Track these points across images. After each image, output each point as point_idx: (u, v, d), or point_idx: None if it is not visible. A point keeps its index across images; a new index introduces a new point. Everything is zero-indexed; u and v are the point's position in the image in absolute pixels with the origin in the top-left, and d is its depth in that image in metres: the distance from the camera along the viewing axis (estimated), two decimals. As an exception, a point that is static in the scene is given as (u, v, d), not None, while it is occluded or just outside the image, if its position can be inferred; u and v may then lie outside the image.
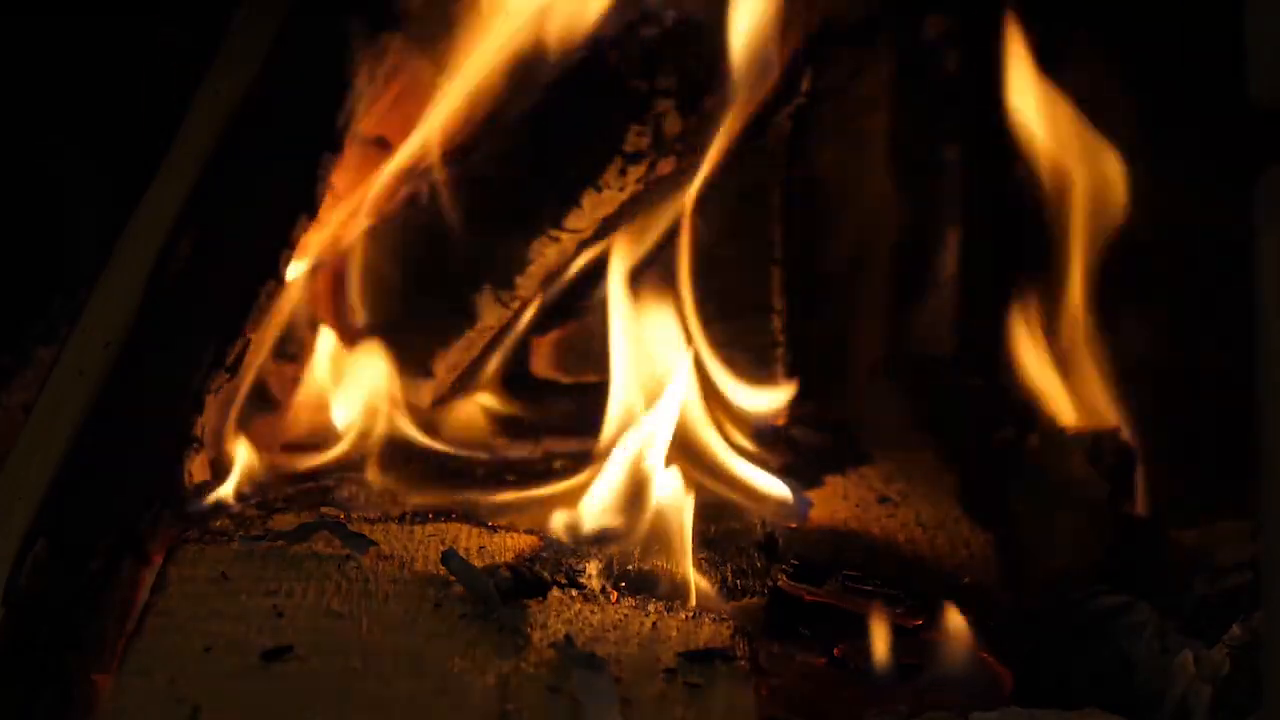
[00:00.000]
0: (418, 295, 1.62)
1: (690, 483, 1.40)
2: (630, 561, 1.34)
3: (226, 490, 1.43)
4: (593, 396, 1.62)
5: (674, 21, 1.55)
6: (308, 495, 1.46)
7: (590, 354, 1.68)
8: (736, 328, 1.60)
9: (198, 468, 1.37)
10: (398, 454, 1.57)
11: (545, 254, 1.58)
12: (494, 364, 1.67)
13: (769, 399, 1.62)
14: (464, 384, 1.66)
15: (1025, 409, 1.64)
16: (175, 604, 1.21)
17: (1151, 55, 1.59)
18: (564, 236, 1.57)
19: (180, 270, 1.40)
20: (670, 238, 1.60)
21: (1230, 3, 1.00)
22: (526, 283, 1.59)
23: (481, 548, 1.34)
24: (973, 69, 1.66)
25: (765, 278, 1.60)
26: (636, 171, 1.55)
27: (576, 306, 1.67)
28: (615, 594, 1.25)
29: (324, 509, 1.41)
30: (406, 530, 1.35)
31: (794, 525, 1.47)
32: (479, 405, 1.68)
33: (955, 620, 1.30)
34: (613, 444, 1.45)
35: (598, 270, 1.63)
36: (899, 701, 1.21)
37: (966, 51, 1.67)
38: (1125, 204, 1.60)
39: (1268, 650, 0.99)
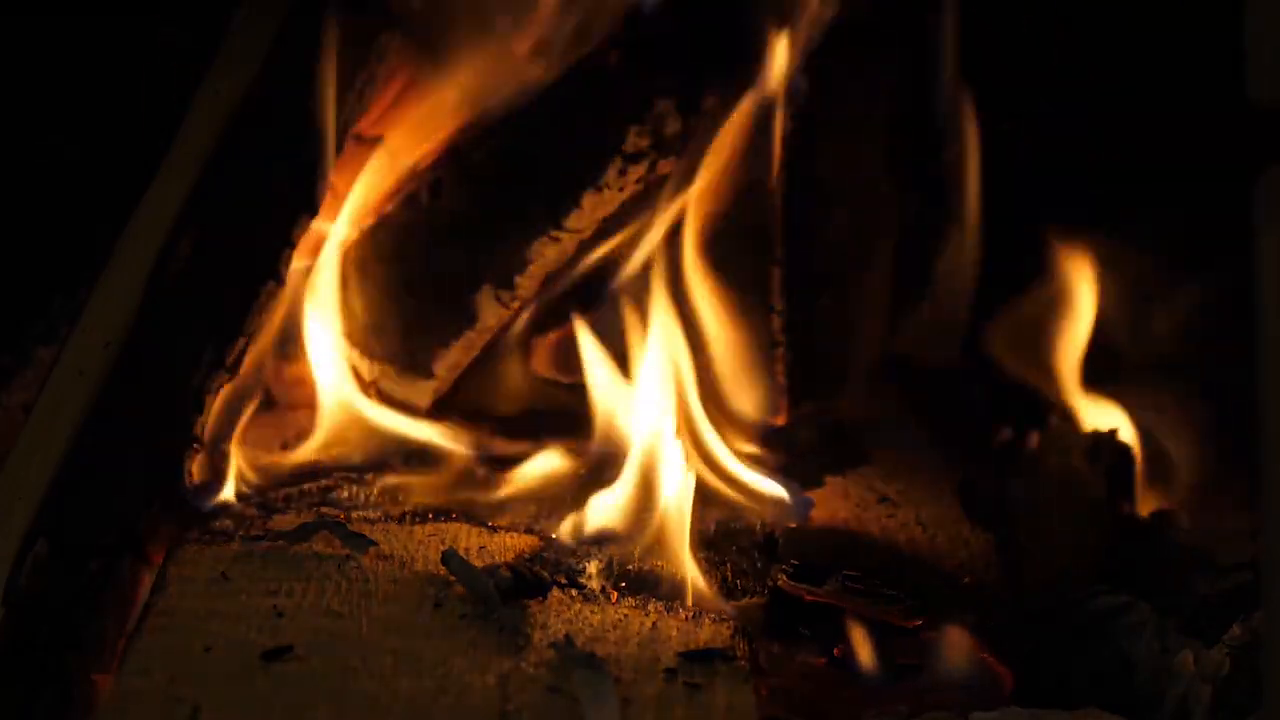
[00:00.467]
0: (418, 295, 1.62)
1: (691, 482, 1.40)
2: (630, 561, 1.34)
3: (226, 490, 1.43)
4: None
5: (674, 21, 1.55)
6: (308, 495, 1.46)
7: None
8: (737, 328, 1.60)
9: (198, 468, 1.37)
10: (398, 454, 1.57)
11: (545, 254, 1.58)
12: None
13: (769, 399, 1.62)
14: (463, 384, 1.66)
15: (1025, 409, 1.65)
16: (175, 604, 1.21)
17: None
18: (564, 236, 1.57)
19: (180, 270, 1.40)
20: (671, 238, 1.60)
21: (1230, 3, 1.00)
22: (526, 283, 1.59)
23: (481, 548, 1.34)
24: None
25: (765, 278, 1.60)
26: (636, 171, 1.55)
27: (576, 306, 1.67)
28: (615, 594, 1.25)
29: (324, 509, 1.41)
30: (406, 530, 1.35)
31: (794, 525, 1.47)
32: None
33: (955, 620, 1.30)
34: (614, 443, 1.46)
35: (598, 271, 1.63)
36: (899, 701, 1.21)
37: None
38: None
39: (1268, 650, 0.99)
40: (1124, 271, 1.64)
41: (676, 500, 1.38)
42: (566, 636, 1.16)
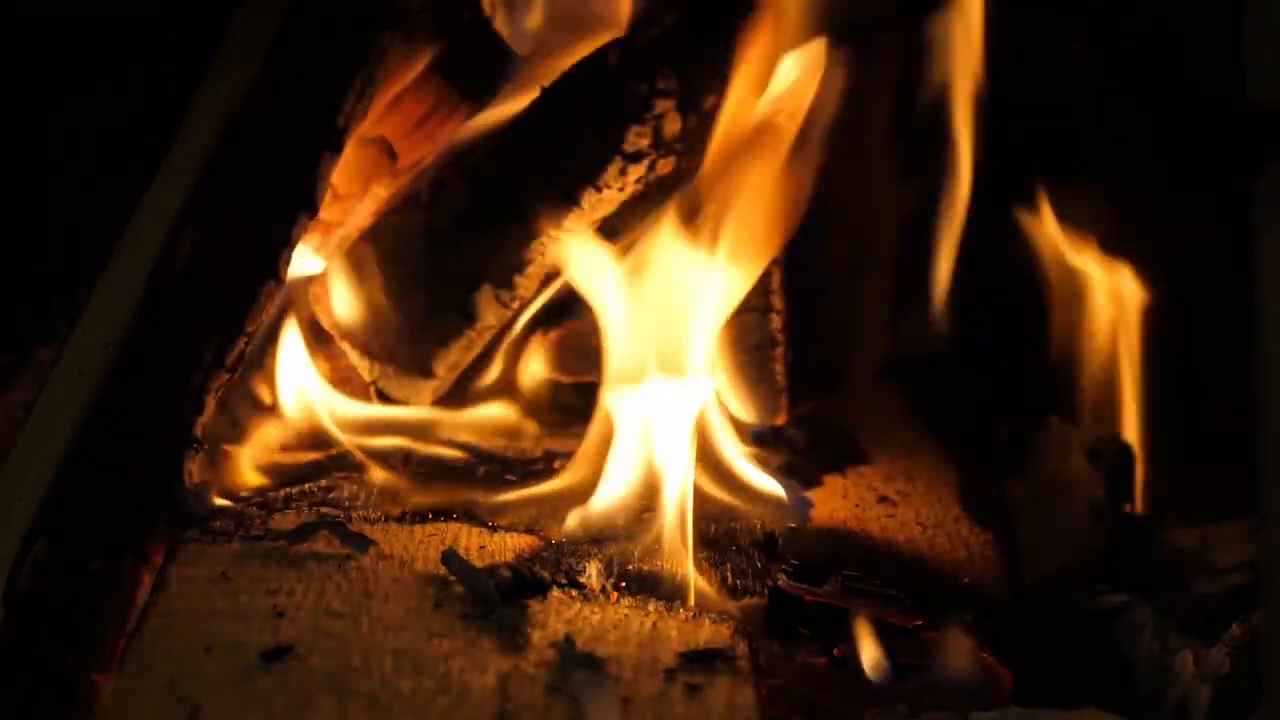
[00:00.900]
0: (417, 295, 1.62)
1: (692, 482, 1.40)
2: (630, 561, 1.34)
3: (226, 490, 1.43)
4: (593, 396, 1.62)
5: (674, 21, 1.55)
6: (308, 495, 1.46)
7: (590, 354, 1.68)
8: (737, 328, 1.60)
9: (198, 468, 1.37)
10: (398, 454, 1.57)
11: (545, 254, 1.58)
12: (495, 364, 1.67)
13: (769, 399, 1.62)
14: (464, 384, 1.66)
15: (1026, 408, 1.65)
16: (175, 604, 1.21)
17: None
18: (564, 236, 1.57)
19: (180, 270, 1.40)
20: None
21: (1230, 3, 1.00)
22: (526, 283, 1.59)
23: (481, 548, 1.34)
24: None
25: (765, 278, 1.60)
26: (636, 171, 1.55)
27: (577, 306, 1.67)
28: (615, 594, 1.25)
29: (324, 509, 1.41)
30: (406, 530, 1.35)
31: (794, 525, 1.47)
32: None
33: (955, 620, 1.30)
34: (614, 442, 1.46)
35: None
36: (899, 701, 1.21)
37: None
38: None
39: (1268, 650, 1.00)
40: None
41: (678, 500, 1.38)
42: (566, 636, 1.16)
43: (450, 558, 1.24)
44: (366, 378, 1.64)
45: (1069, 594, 1.38)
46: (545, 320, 1.67)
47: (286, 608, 1.20)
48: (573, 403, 1.68)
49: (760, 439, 1.61)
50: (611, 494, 1.41)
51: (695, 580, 1.32)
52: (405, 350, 1.63)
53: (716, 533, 1.43)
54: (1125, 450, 1.58)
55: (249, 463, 1.51)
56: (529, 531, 1.40)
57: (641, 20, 1.57)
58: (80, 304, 1.40)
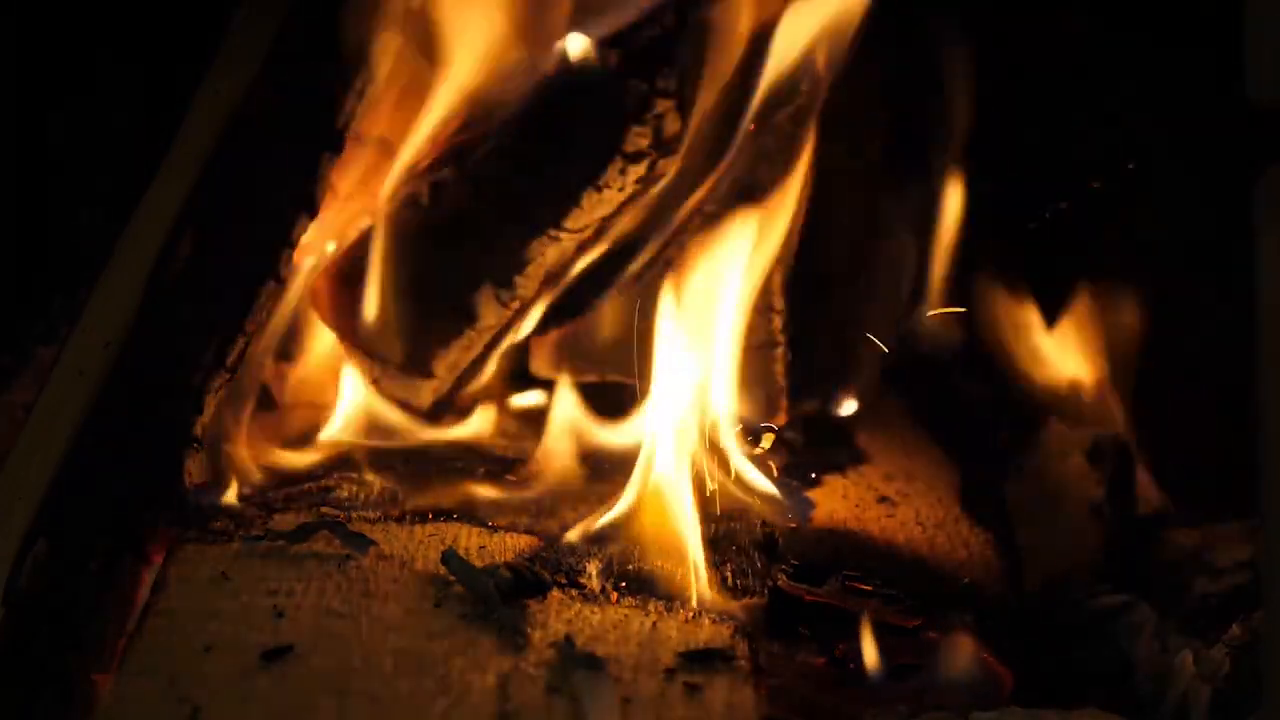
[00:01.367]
0: (418, 295, 1.62)
1: (694, 482, 1.40)
2: (630, 561, 1.34)
3: (226, 490, 1.43)
4: (594, 396, 1.62)
5: (674, 21, 1.55)
6: (308, 495, 1.46)
7: (590, 354, 1.68)
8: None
9: (197, 468, 1.37)
10: (397, 454, 1.57)
11: (545, 254, 1.58)
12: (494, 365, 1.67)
13: (769, 399, 1.62)
14: (464, 384, 1.66)
15: (1025, 409, 1.65)
16: (175, 604, 1.21)
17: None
18: (564, 236, 1.57)
19: (180, 270, 1.40)
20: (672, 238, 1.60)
21: (1230, 3, 1.00)
22: (526, 283, 1.59)
23: (481, 548, 1.34)
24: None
25: (765, 278, 1.60)
26: (636, 171, 1.54)
27: (576, 306, 1.67)
28: (615, 594, 1.25)
29: (324, 509, 1.41)
30: (406, 530, 1.35)
31: (794, 525, 1.47)
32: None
33: (955, 620, 1.30)
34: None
35: (598, 270, 1.63)
36: (899, 701, 1.21)
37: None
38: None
39: (1268, 650, 1.00)
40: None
41: (679, 499, 1.38)
42: (566, 636, 1.16)
43: (450, 558, 1.24)
44: (367, 377, 1.64)
45: (1069, 594, 1.38)
46: (545, 320, 1.67)
47: (286, 608, 1.20)
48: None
49: (760, 439, 1.61)
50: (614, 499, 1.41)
51: (695, 580, 1.32)
52: (405, 350, 1.63)
53: (716, 533, 1.43)
54: (1125, 450, 1.58)
55: (249, 463, 1.50)
56: (529, 531, 1.40)
57: (641, 20, 1.57)
58: (80, 304, 1.40)
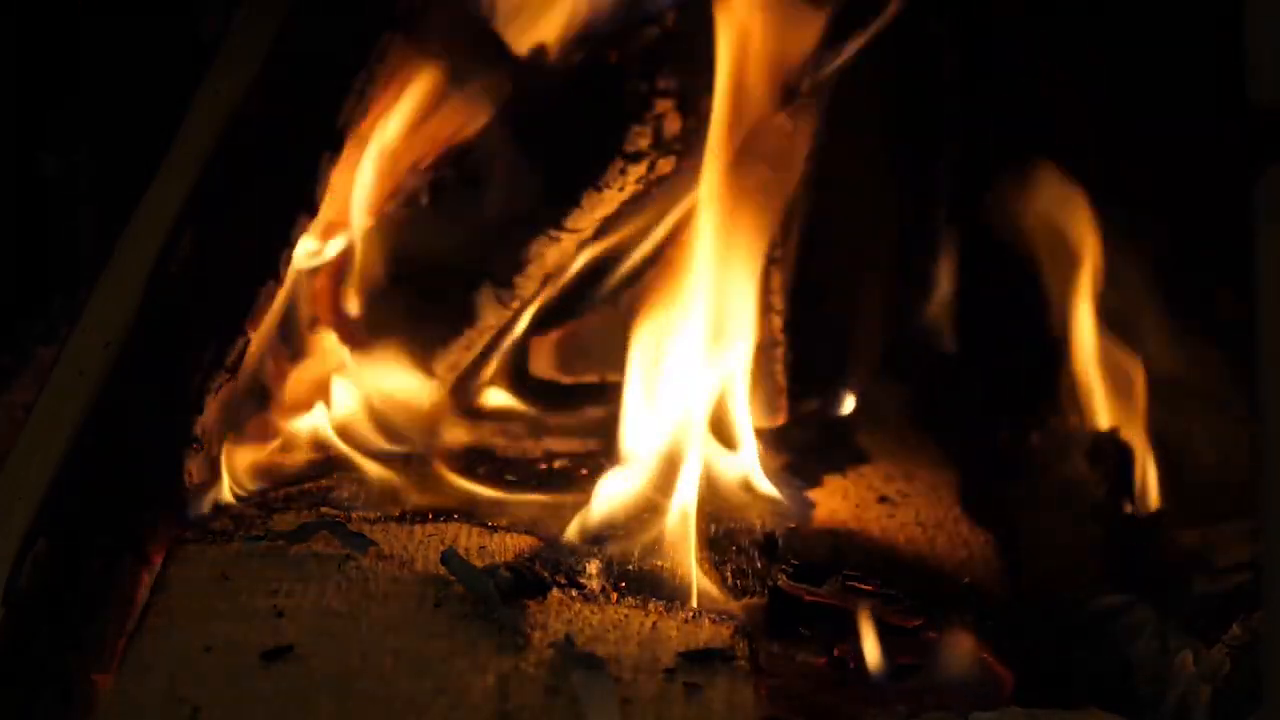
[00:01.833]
0: (418, 295, 1.62)
1: (696, 482, 1.40)
2: (630, 561, 1.34)
3: (226, 490, 1.43)
4: (593, 396, 1.62)
5: (674, 21, 1.55)
6: (308, 495, 1.46)
7: (590, 354, 1.68)
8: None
9: (198, 468, 1.37)
10: (397, 454, 1.57)
11: (545, 254, 1.58)
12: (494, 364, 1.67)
13: (769, 399, 1.62)
14: (464, 384, 1.66)
15: (1025, 409, 1.65)
16: (175, 604, 1.21)
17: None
18: (564, 236, 1.57)
19: (180, 270, 1.40)
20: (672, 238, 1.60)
21: (1230, 3, 1.00)
22: (526, 283, 1.59)
23: (481, 548, 1.34)
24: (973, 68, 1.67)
25: (765, 278, 1.60)
26: (636, 171, 1.55)
27: (576, 306, 1.67)
28: (615, 594, 1.25)
29: (324, 509, 1.41)
30: (406, 530, 1.35)
31: (794, 525, 1.47)
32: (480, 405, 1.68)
33: (955, 620, 1.30)
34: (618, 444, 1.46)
35: (597, 270, 1.64)
36: (899, 701, 1.21)
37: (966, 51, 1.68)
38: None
39: (1268, 650, 0.99)
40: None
41: (681, 499, 1.38)
42: (566, 636, 1.16)
43: (450, 558, 1.23)
44: (367, 377, 1.64)
45: (1069, 594, 1.38)
46: (545, 320, 1.67)
47: (286, 608, 1.20)
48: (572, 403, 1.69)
49: (760, 439, 1.61)
50: (614, 496, 1.41)
51: (696, 580, 1.32)
52: (405, 350, 1.63)
53: (716, 533, 1.43)
54: (1125, 450, 1.58)
55: (248, 463, 1.50)
56: (529, 531, 1.40)
57: (641, 20, 1.57)
58: (80, 304, 1.40)
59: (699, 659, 1.15)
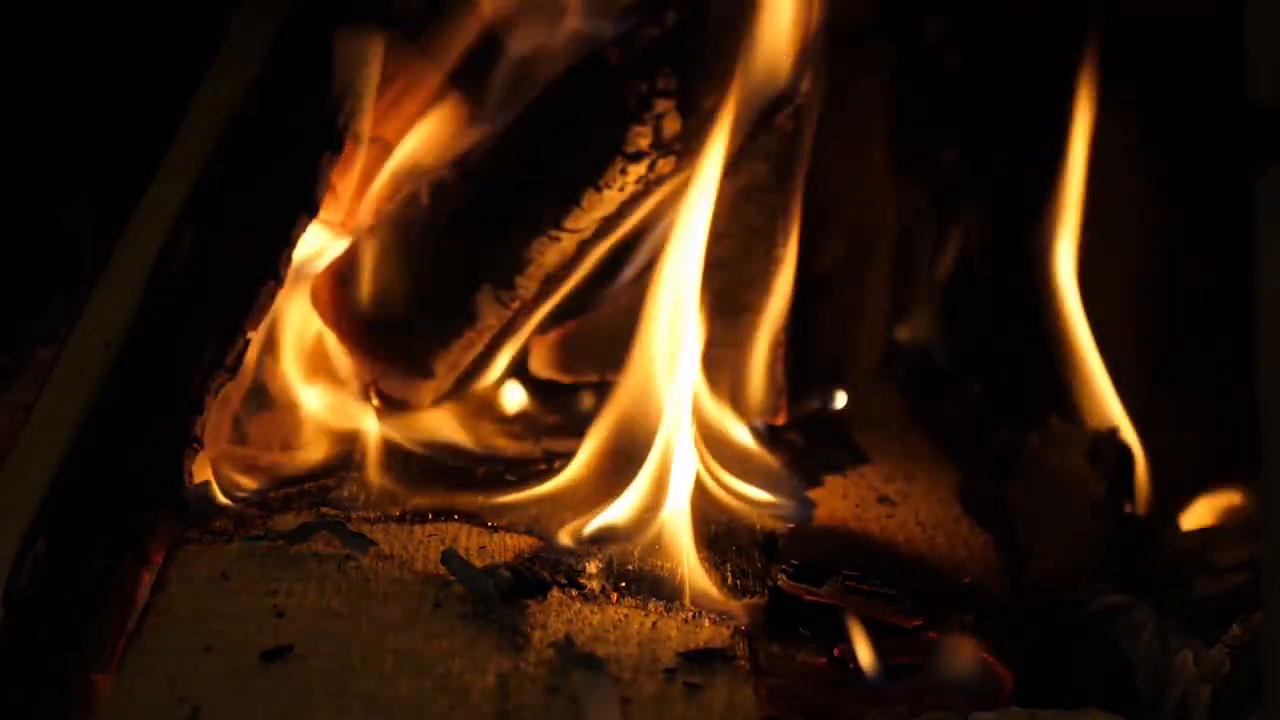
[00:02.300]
0: (417, 295, 1.62)
1: (693, 482, 1.40)
2: (630, 561, 1.34)
3: (226, 490, 1.43)
4: (593, 396, 1.62)
5: (674, 21, 1.55)
6: (308, 495, 1.46)
7: (590, 354, 1.68)
8: (737, 328, 1.60)
9: (198, 468, 1.37)
10: (397, 454, 1.57)
11: (545, 254, 1.58)
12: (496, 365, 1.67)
13: (769, 399, 1.62)
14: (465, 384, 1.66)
15: (1025, 409, 1.65)
16: (175, 604, 1.21)
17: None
18: (564, 236, 1.57)
19: (180, 270, 1.40)
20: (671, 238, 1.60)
21: (1230, 3, 1.00)
22: (526, 283, 1.59)
23: (481, 548, 1.34)
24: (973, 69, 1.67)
25: (765, 278, 1.60)
26: (636, 171, 1.55)
27: (576, 306, 1.67)
28: (615, 594, 1.25)
29: (324, 509, 1.41)
30: (406, 530, 1.35)
31: (794, 525, 1.47)
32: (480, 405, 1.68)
33: (955, 620, 1.30)
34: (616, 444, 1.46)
35: (597, 270, 1.63)
36: (899, 701, 1.21)
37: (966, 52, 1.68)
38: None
39: (1268, 650, 0.99)
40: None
41: (678, 500, 1.38)
42: (566, 636, 1.16)
43: (450, 558, 1.23)
44: (366, 377, 1.64)
45: (1069, 594, 1.38)
46: (545, 320, 1.67)
47: (286, 608, 1.20)
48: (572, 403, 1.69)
49: (760, 439, 1.61)
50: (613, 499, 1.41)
51: (695, 580, 1.32)
52: (405, 350, 1.63)
53: (716, 533, 1.43)
54: (1125, 450, 1.58)
55: (248, 463, 1.50)
56: (529, 531, 1.40)
57: (641, 20, 1.57)
58: (80, 304, 1.40)
59: (699, 659, 1.15)
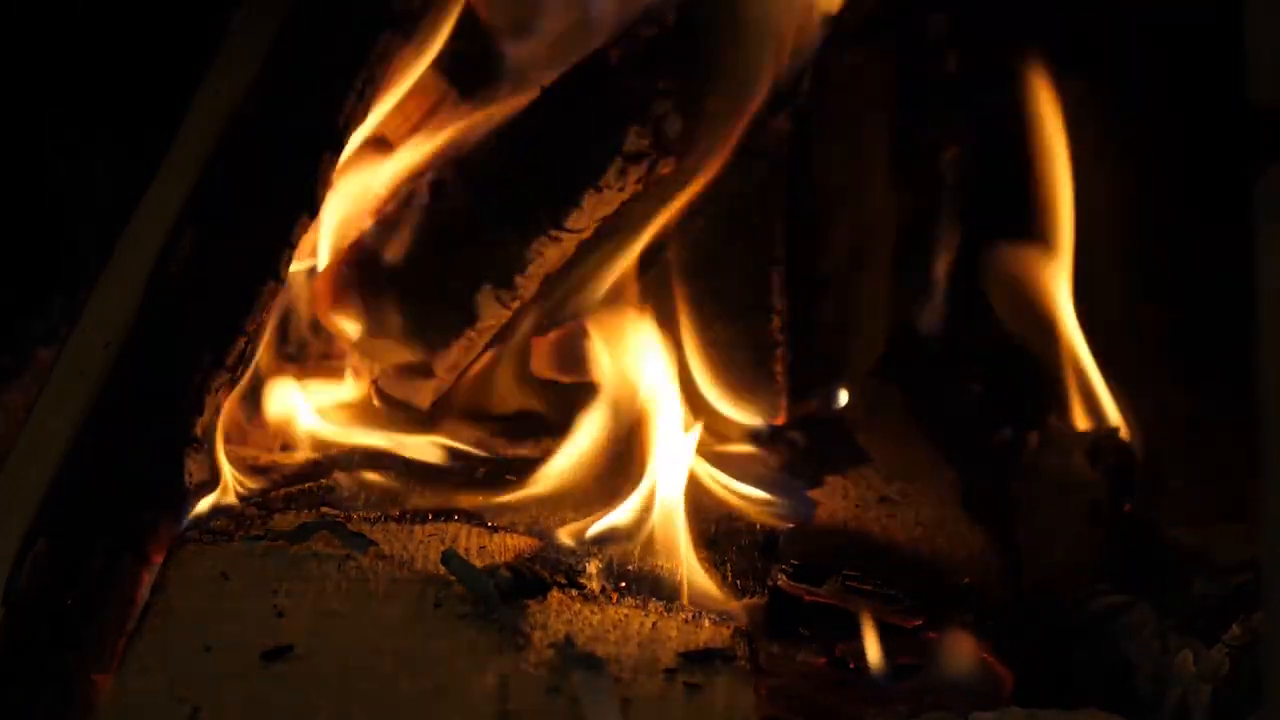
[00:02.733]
0: (418, 294, 1.62)
1: (691, 482, 1.40)
2: (630, 561, 1.34)
3: (225, 490, 1.43)
4: (593, 396, 1.62)
5: (674, 21, 1.55)
6: (308, 495, 1.46)
7: (590, 354, 1.68)
8: (736, 328, 1.60)
9: (198, 468, 1.37)
10: (397, 454, 1.57)
11: (545, 254, 1.58)
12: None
13: (769, 399, 1.62)
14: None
15: (1025, 409, 1.65)
16: (175, 604, 1.21)
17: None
18: (564, 236, 1.57)
19: (181, 270, 1.40)
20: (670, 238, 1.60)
21: (1230, 3, 1.00)
22: (526, 283, 1.59)
23: (481, 548, 1.34)
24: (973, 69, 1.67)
25: (765, 278, 1.60)
26: (636, 171, 1.55)
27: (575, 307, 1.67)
28: (615, 594, 1.25)
29: (324, 509, 1.41)
30: (406, 530, 1.35)
31: (794, 525, 1.47)
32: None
33: (955, 620, 1.30)
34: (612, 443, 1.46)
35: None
36: (899, 701, 1.21)
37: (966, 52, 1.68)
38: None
39: (1268, 650, 0.99)
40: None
41: (676, 500, 1.38)
42: (566, 636, 1.16)
43: (450, 558, 1.23)
44: (367, 377, 1.64)
45: (1069, 594, 1.38)
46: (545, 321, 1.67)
47: (286, 608, 1.20)
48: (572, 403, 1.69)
49: (760, 439, 1.61)
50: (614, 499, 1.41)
51: (695, 580, 1.32)
52: (405, 350, 1.63)
53: (716, 533, 1.43)
54: (1125, 450, 1.58)
55: (248, 463, 1.50)
56: (529, 531, 1.40)
57: (641, 20, 1.57)
58: (80, 304, 1.40)
59: (699, 659, 1.15)
